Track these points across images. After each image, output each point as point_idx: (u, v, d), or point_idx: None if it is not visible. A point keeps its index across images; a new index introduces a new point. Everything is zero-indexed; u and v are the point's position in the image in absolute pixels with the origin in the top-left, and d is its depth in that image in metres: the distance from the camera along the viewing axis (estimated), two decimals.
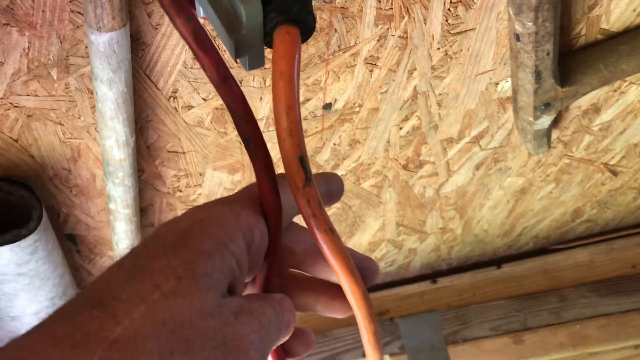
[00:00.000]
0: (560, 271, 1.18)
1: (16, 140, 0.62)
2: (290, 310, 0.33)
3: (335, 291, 0.36)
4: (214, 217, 0.31)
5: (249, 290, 0.37)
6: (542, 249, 1.21)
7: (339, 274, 0.36)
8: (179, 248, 0.29)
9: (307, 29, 0.38)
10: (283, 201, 0.35)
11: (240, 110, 0.33)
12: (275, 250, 0.35)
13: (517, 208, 1.05)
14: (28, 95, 0.58)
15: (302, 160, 0.33)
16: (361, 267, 0.37)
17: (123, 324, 0.25)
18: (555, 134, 0.88)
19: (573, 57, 0.71)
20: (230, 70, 0.33)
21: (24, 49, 0.53)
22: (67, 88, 0.58)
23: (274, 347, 0.32)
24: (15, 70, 0.55)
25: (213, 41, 0.33)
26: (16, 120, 0.60)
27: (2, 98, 0.57)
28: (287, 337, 0.34)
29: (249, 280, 0.36)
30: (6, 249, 0.62)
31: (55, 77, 0.57)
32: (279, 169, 0.33)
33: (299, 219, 0.37)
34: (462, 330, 1.10)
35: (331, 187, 0.37)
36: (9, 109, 0.58)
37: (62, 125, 0.62)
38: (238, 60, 0.40)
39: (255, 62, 0.39)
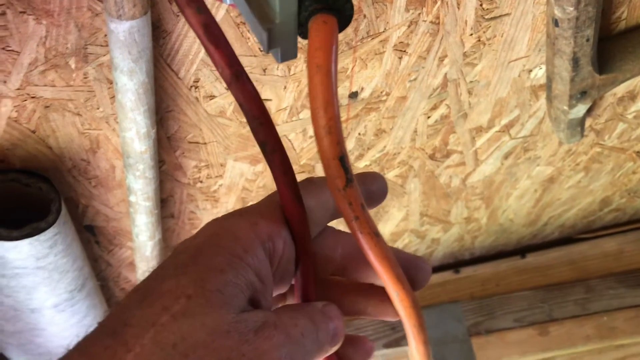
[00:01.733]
0: (586, 261, 1.15)
1: (34, 132, 0.60)
2: (335, 318, 0.31)
3: (386, 293, 0.34)
4: (228, 230, 0.29)
5: (289, 302, 0.35)
6: (567, 238, 1.18)
7: (385, 281, 0.33)
8: (189, 266, 0.27)
9: (344, 17, 0.35)
10: (311, 205, 0.33)
11: (254, 111, 0.30)
12: (306, 257, 0.33)
13: (544, 197, 1.02)
14: (45, 85, 0.55)
15: (343, 160, 0.31)
16: (411, 267, 0.35)
17: (134, 350, 0.24)
18: (587, 122, 0.85)
19: (612, 43, 0.68)
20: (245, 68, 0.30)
21: (41, 38, 0.51)
22: (85, 78, 0.56)
23: (315, 359, 0.30)
24: (32, 60, 0.53)
25: (224, 34, 0.29)
26: (33, 111, 0.58)
27: (19, 89, 0.55)
28: (335, 346, 0.31)
29: (284, 291, 0.34)
30: (25, 243, 0.61)
31: (73, 66, 0.54)
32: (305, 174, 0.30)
33: (334, 223, 0.35)
34: (486, 322, 1.08)
35: (373, 188, 0.35)
36: (26, 100, 0.56)
37: (81, 116, 0.60)
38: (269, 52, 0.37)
39: (288, 54, 0.37)
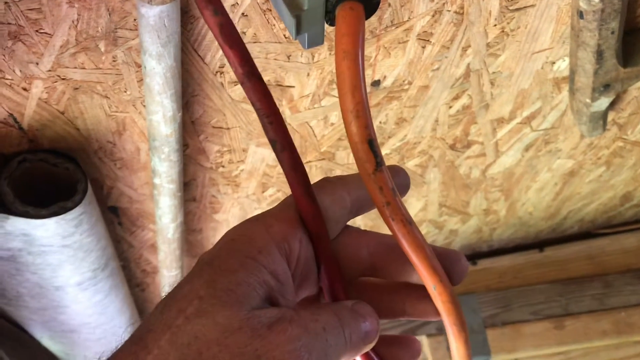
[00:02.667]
0: (605, 256, 1.14)
1: (63, 113, 0.62)
2: (366, 315, 0.31)
3: (423, 291, 0.33)
4: (244, 235, 0.31)
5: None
6: (587, 233, 1.18)
7: (421, 273, 0.32)
8: (205, 270, 0.29)
9: (371, 4, 0.36)
10: (327, 203, 0.33)
11: (265, 110, 0.31)
12: (326, 255, 0.33)
13: (565, 191, 1.02)
14: (75, 67, 0.57)
15: (372, 144, 0.31)
16: (446, 261, 0.33)
17: (152, 353, 0.26)
18: (610, 116, 0.85)
19: (637, 36, 0.67)
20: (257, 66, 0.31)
21: (72, 21, 0.52)
22: (114, 61, 0.57)
23: (345, 356, 0.30)
24: (64, 42, 0.54)
25: (239, 34, 0.31)
26: (63, 92, 0.59)
27: (50, 70, 0.56)
28: (369, 345, 0.31)
29: (314, 293, 0.34)
30: (52, 221, 0.63)
31: (102, 49, 0.56)
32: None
33: (354, 223, 0.36)
34: (502, 314, 1.08)
35: (396, 182, 0.34)
36: (56, 82, 0.58)
37: (108, 98, 0.61)
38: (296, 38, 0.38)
39: (315, 40, 0.38)
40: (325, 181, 0.34)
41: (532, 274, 1.13)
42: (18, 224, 0.62)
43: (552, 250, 1.15)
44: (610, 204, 1.10)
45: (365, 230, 0.36)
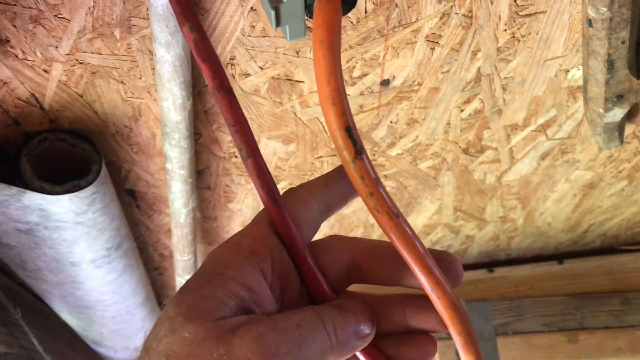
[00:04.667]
0: (627, 273, 1.12)
1: (81, 96, 0.65)
2: (355, 309, 0.31)
3: (425, 300, 0.31)
4: (214, 256, 0.32)
5: None
6: (609, 248, 1.16)
7: (415, 272, 0.30)
8: (176, 295, 0.30)
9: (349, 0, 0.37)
10: (293, 209, 0.33)
11: (231, 120, 0.33)
12: (301, 256, 0.33)
13: (584, 203, 1.00)
14: (92, 52, 0.60)
15: (349, 131, 0.31)
16: (440, 264, 0.31)
17: None
18: (630, 129, 0.83)
19: None
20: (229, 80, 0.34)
21: (89, 8, 0.55)
22: (129, 48, 0.60)
23: (336, 353, 0.30)
24: (81, 27, 0.57)
25: (214, 51, 0.34)
26: (81, 76, 0.62)
27: (68, 54, 0.59)
28: (362, 340, 0.31)
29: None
30: (66, 198, 0.66)
31: (118, 36, 0.59)
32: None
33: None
34: (514, 322, 1.07)
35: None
36: (74, 65, 0.61)
37: (124, 84, 0.64)
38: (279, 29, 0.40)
39: (296, 32, 0.39)
40: (288, 190, 0.35)
41: (549, 286, 1.12)
42: (34, 199, 0.66)
43: (572, 263, 1.14)
44: (635, 220, 1.08)
45: (343, 236, 0.36)
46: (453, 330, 0.31)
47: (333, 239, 0.35)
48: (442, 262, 0.32)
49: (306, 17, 0.38)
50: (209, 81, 0.34)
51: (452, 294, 0.30)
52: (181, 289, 0.31)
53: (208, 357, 0.27)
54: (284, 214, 0.33)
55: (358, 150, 0.31)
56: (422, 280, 0.31)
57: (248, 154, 0.33)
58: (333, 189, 0.35)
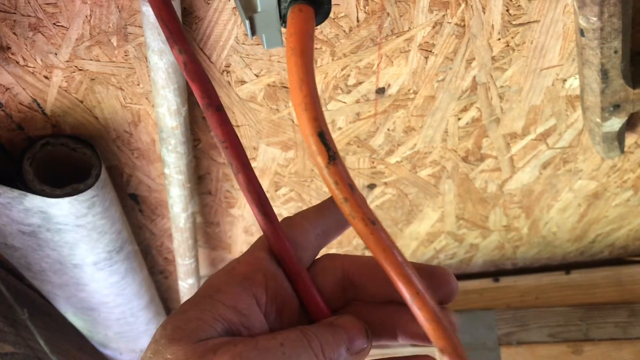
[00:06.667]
0: (635, 284, 1.10)
1: (81, 102, 0.67)
2: (346, 325, 0.31)
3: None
4: (208, 282, 0.33)
5: None
6: (618, 259, 1.14)
7: (393, 280, 0.30)
8: (166, 319, 0.31)
9: (322, 9, 0.38)
10: (293, 234, 0.34)
11: (220, 136, 0.35)
12: (295, 272, 0.34)
13: (590, 213, 0.99)
14: (91, 59, 0.61)
15: (322, 136, 0.31)
16: (431, 278, 0.31)
17: None
18: (633, 139, 0.83)
19: None
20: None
21: (86, 16, 0.57)
22: (126, 55, 0.61)
23: None
24: (79, 35, 0.59)
25: (203, 71, 0.36)
26: (81, 82, 0.64)
27: (68, 61, 0.61)
28: (357, 356, 0.31)
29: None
30: (65, 201, 0.67)
31: (115, 44, 0.60)
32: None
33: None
34: (518, 333, 1.07)
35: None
36: (74, 72, 0.63)
37: (123, 90, 0.66)
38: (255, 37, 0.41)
39: (272, 42, 0.40)
40: (285, 218, 0.36)
41: (556, 296, 1.11)
42: (35, 202, 0.67)
43: (579, 273, 1.13)
44: None
45: (336, 254, 0.36)
46: (437, 346, 0.30)
47: (327, 258, 0.36)
48: (433, 275, 0.32)
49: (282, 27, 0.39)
50: (199, 99, 0.35)
51: (433, 305, 0.30)
52: (172, 313, 0.32)
53: None
54: (275, 227, 0.34)
55: (331, 156, 0.31)
56: (401, 289, 0.30)
57: (238, 169, 0.34)
58: (328, 216, 0.36)
